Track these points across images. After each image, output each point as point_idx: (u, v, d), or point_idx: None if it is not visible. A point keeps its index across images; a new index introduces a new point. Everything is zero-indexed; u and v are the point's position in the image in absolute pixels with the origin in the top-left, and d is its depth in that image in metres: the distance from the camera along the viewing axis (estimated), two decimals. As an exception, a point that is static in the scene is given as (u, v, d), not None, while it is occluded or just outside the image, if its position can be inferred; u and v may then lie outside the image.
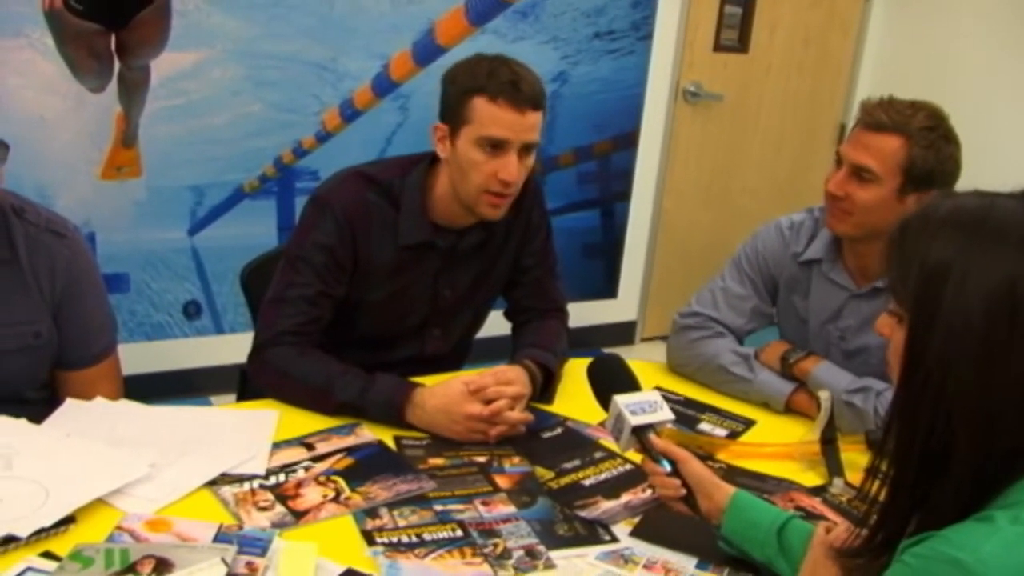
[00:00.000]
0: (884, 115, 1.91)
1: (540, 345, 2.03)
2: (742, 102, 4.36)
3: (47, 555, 1.37)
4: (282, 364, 1.90)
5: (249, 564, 1.37)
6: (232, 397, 2.27)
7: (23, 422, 1.68)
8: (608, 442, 1.77)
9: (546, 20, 3.78)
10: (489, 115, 1.84)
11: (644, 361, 2.23)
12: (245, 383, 2.15)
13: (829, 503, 1.69)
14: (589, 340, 4.30)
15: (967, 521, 1.04)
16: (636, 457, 1.66)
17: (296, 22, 3.35)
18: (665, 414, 1.57)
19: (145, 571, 1.32)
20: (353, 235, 1.94)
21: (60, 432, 1.68)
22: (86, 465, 1.57)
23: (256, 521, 1.49)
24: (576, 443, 1.84)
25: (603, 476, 1.72)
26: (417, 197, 1.97)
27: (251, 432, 1.75)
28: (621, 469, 1.74)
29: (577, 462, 1.76)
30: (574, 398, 1.96)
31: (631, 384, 1.62)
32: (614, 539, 1.53)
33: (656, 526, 1.56)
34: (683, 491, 1.51)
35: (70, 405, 1.79)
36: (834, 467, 1.77)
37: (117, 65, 3.10)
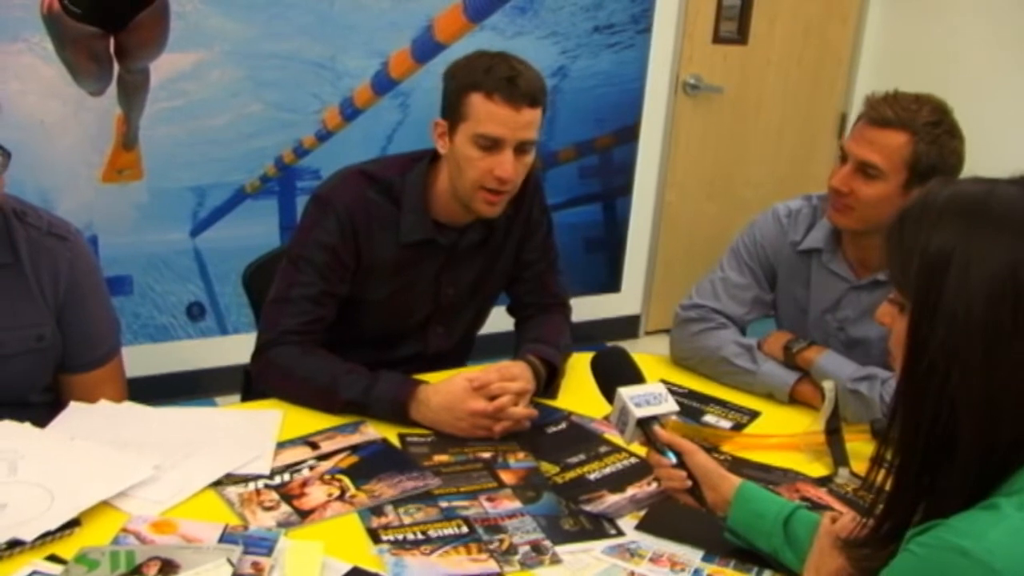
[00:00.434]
0: (889, 110, 1.90)
1: (543, 340, 2.03)
2: (742, 94, 4.35)
3: (52, 558, 1.37)
4: (286, 363, 1.90)
5: (255, 564, 1.36)
6: (237, 397, 2.28)
7: (27, 426, 1.68)
8: (613, 436, 1.76)
9: (545, 15, 3.78)
10: (485, 112, 1.83)
11: (648, 354, 2.22)
12: (249, 383, 2.15)
13: (835, 493, 1.69)
14: (593, 334, 4.29)
15: (972, 509, 1.04)
16: (641, 451, 1.66)
17: (295, 21, 3.35)
18: (670, 405, 1.57)
19: (151, 573, 1.32)
20: (355, 233, 1.94)
21: (64, 435, 1.68)
22: (90, 468, 1.57)
23: (261, 521, 1.49)
24: (581, 437, 1.84)
25: (608, 470, 1.72)
26: (418, 195, 1.97)
27: (255, 432, 1.75)
28: (626, 463, 1.74)
29: (582, 456, 1.76)
30: (578, 393, 1.95)
31: (635, 376, 1.62)
32: (620, 533, 1.53)
33: (662, 519, 1.56)
34: (689, 483, 1.51)
35: (74, 408, 1.79)
36: (839, 457, 1.76)
37: (116, 68, 3.10)
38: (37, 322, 1.77)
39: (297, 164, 3.53)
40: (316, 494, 1.58)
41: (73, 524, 1.44)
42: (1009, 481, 1.05)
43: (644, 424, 1.54)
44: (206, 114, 3.31)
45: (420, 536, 1.47)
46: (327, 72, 3.47)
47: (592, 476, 1.70)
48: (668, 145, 4.28)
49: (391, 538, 1.47)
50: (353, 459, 1.69)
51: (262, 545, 1.40)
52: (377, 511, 1.54)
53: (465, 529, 1.50)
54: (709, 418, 1.95)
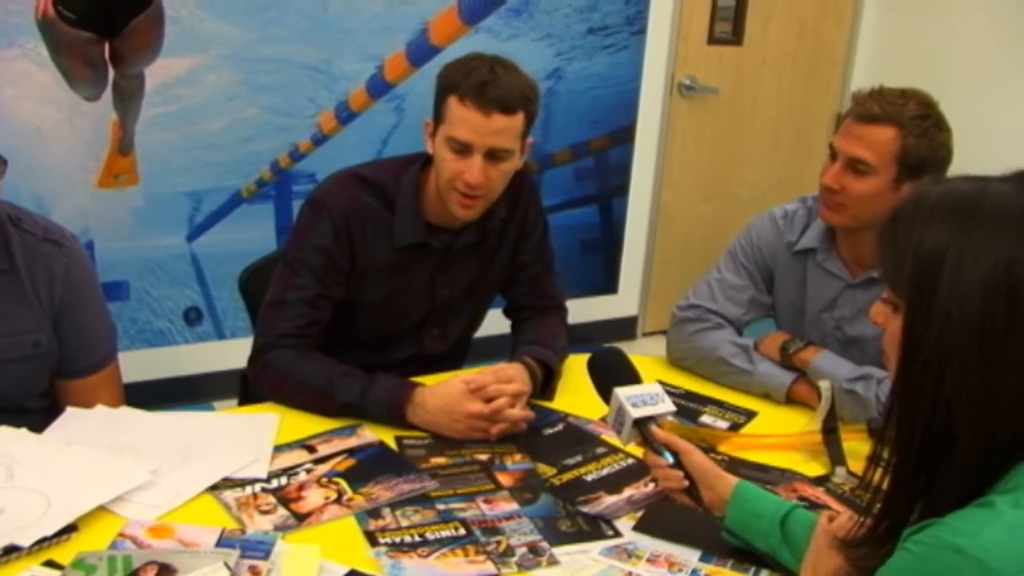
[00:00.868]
0: (876, 106, 1.91)
1: (540, 342, 2.03)
2: (738, 94, 4.36)
3: (50, 564, 1.37)
4: (283, 367, 1.90)
5: (252, 568, 1.37)
6: (235, 402, 2.28)
7: (24, 432, 1.68)
8: (610, 437, 1.76)
9: (539, 17, 3.78)
10: (457, 116, 1.84)
11: (644, 355, 2.23)
12: (246, 388, 2.15)
13: (832, 492, 1.69)
14: (590, 336, 4.29)
15: (968, 507, 1.04)
16: (638, 451, 1.66)
17: (290, 25, 3.35)
18: (666, 406, 1.57)
19: (148, 577, 1.33)
20: (349, 236, 1.94)
21: (61, 441, 1.68)
22: (87, 473, 1.57)
23: (258, 525, 1.49)
24: (577, 439, 1.84)
25: (605, 471, 1.72)
26: (411, 197, 1.97)
27: (252, 436, 1.75)
28: (623, 464, 1.74)
29: (579, 458, 1.76)
30: (575, 394, 1.96)
31: (632, 377, 1.62)
32: (617, 534, 1.53)
33: (659, 520, 1.56)
34: (686, 483, 1.51)
35: (71, 414, 1.79)
36: (836, 456, 1.77)
37: (112, 73, 3.10)
38: (33, 328, 1.77)
39: (293, 168, 3.53)
40: (313, 497, 1.58)
41: (70, 529, 1.44)
42: (1004, 479, 1.06)
43: (641, 424, 1.54)
44: (202, 119, 3.31)
45: (417, 538, 1.47)
46: (322, 76, 3.47)
47: (589, 477, 1.70)
48: (664, 146, 4.28)
49: (388, 541, 1.47)
50: (350, 462, 1.69)
51: (259, 549, 1.40)
52: (374, 514, 1.54)
53: (462, 531, 1.50)
54: (706, 418, 1.96)
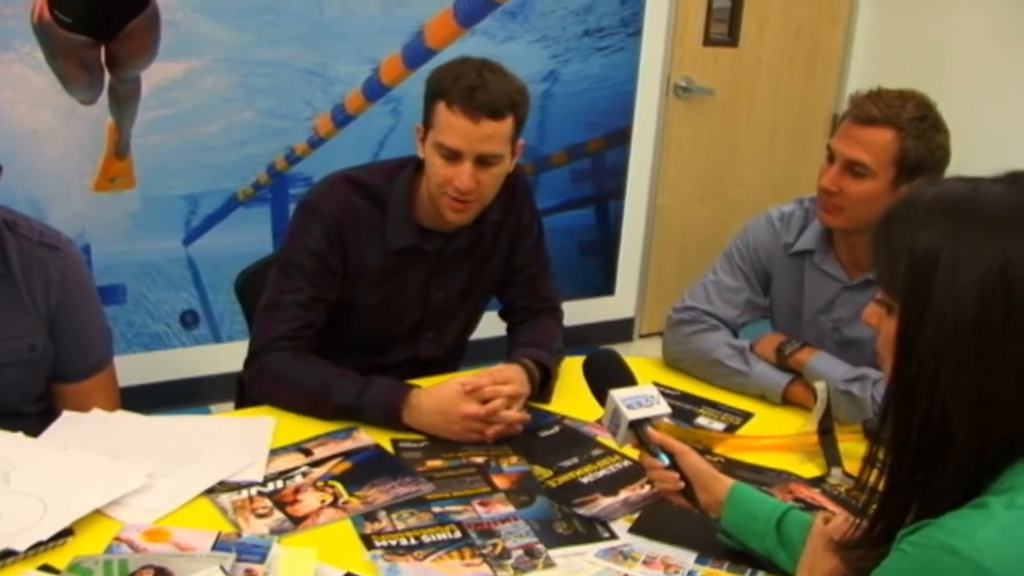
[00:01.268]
0: (874, 108, 1.91)
1: (536, 344, 2.03)
2: (734, 96, 4.36)
3: (45, 568, 1.37)
4: (278, 370, 1.90)
5: (248, 571, 1.37)
6: (231, 405, 2.27)
7: (20, 436, 1.68)
8: (605, 439, 1.76)
9: (535, 19, 3.78)
10: (446, 122, 1.83)
11: (640, 357, 2.23)
12: (243, 391, 2.14)
13: (828, 494, 1.69)
14: (587, 338, 4.29)
15: (963, 508, 1.04)
16: (633, 453, 1.66)
17: (286, 28, 3.35)
18: (662, 408, 1.57)
19: (144, 581, 1.33)
20: (342, 239, 1.94)
21: (57, 445, 1.68)
22: (83, 477, 1.57)
23: (255, 528, 1.49)
24: (573, 441, 1.84)
25: (601, 473, 1.72)
26: (403, 201, 1.97)
27: (248, 439, 1.75)
28: (619, 466, 1.74)
29: (575, 460, 1.77)
30: (571, 396, 1.96)
31: (627, 379, 1.62)
32: (613, 536, 1.53)
33: (655, 522, 1.56)
34: (681, 484, 1.51)
35: (67, 418, 1.79)
36: (832, 457, 1.77)
37: (108, 77, 3.10)
38: (29, 332, 1.77)
39: (289, 171, 3.53)
40: (309, 501, 1.58)
41: (66, 533, 1.44)
42: (999, 479, 1.06)
43: (636, 426, 1.54)
44: (198, 122, 3.31)
45: (413, 541, 1.48)
46: (318, 79, 3.47)
47: (585, 479, 1.70)
48: (660, 148, 4.28)
49: (384, 544, 1.47)
50: (346, 465, 1.69)
51: (255, 552, 1.40)
52: (370, 517, 1.54)
53: (458, 534, 1.50)
54: (702, 420, 1.96)
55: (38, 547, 1.40)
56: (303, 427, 1.82)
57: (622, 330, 4.52)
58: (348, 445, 1.77)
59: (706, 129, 4.36)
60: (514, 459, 1.76)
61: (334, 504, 1.57)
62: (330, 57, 3.46)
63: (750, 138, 4.49)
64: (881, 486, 1.14)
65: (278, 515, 1.53)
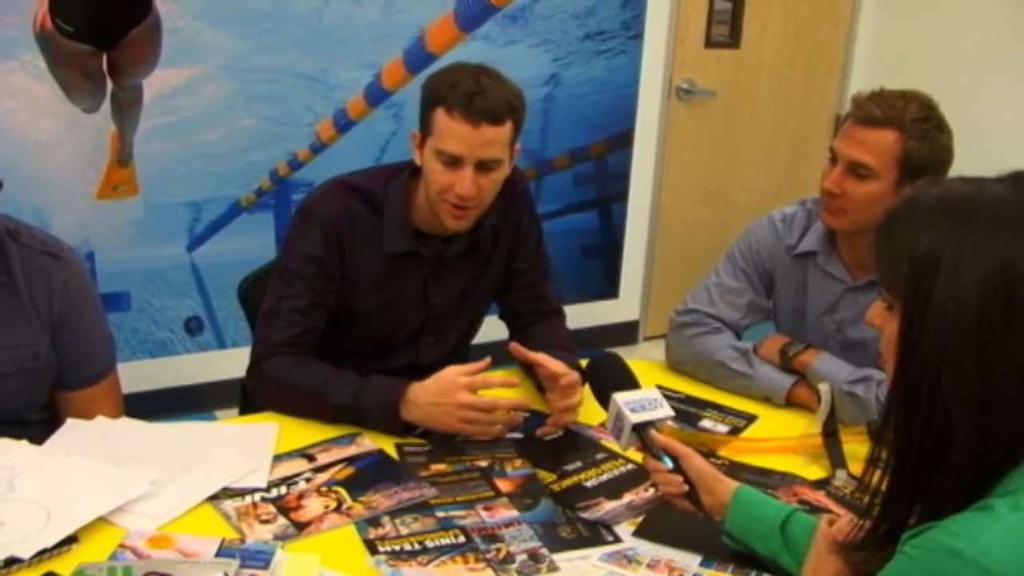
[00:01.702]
0: (877, 109, 1.90)
1: (559, 346, 2.01)
2: (736, 97, 4.36)
3: (50, 575, 1.37)
4: (278, 374, 1.91)
5: (252, 577, 1.37)
6: (237, 411, 2.27)
7: (24, 443, 1.68)
8: (609, 443, 1.76)
9: (536, 23, 3.78)
10: (446, 128, 1.83)
11: (644, 360, 2.23)
12: (247, 397, 2.14)
13: (833, 495, 1.69)
14: (592, 341, 4.28)
15: (967, 511, 1.04)
16: (637, 457, 1.66)
17: (286, 35, 3.36)
18: (665, 411, 1.57)
19: (148, 588, 1.33)
20: (339, 244, 1.94)
21: (61, 452, 1.69)
22: (87, 484, 1.57)
23: (258, 534, 1.49)
24: (578, 445, 1.84)
25: (605, 477, 1.72)
26: (400, 206, 1.97)
27: (252, 445, 1.75)
28: (623, 469, 1.74)
29: (579, 463, 1.76)
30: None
31: (630, 382, 1.62)
32: (617, 539, 1.53)
33: (659, 525, 1.56)
34: (685, 487, 1.51)
35: (71, 425, 1.79)
36: (837, 459, 1.77)
37: (110, 85, 3.11)
38: (32, 341, 1.77)
39: (292, 177, 3.53)
40: (313, 506, 1.58)
41: (70, 540, 1.44)
42: (1003, 481, 1.05)
43: (640, 430, 1.54)
44: (200, 129, 3.31)
45: (417, 546, 1.47)
46: (320, 85, 3.48)
47: (589, 483, 1.70)
48: (662, 150, 4.28)
49: (388, 549, 1.47)
50: (349, 471, 1.69)
51: (259, 558, 1.40)
52: (374, 522, 1.54)
53: (462, 539, 1.50)
54: (706, 423, 1.95)
55: (43, 554, 1.40)
56: (306, 433, 1.82)
57: (626, 333, 4.51)
58: (352, 451, 1.76)
59: (708, 131, 4.36)
60: (518, 463, 1.76)
61: (338, 510, 1.57)
62: (331, 63, 3.47)
63: (752, 140, 4.48)
64: (884, 488, 1.13)
65: (282, 521, 1.53)
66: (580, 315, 4.36)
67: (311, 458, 1.73)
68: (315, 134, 3.53)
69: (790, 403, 2.01)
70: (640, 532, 1.55)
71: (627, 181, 4.26)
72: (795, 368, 2.01)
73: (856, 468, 1.72)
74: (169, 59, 3.18)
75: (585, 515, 1.59)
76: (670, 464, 1.52)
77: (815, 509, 1.62)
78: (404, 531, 1.52)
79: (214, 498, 1.58)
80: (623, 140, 4.18)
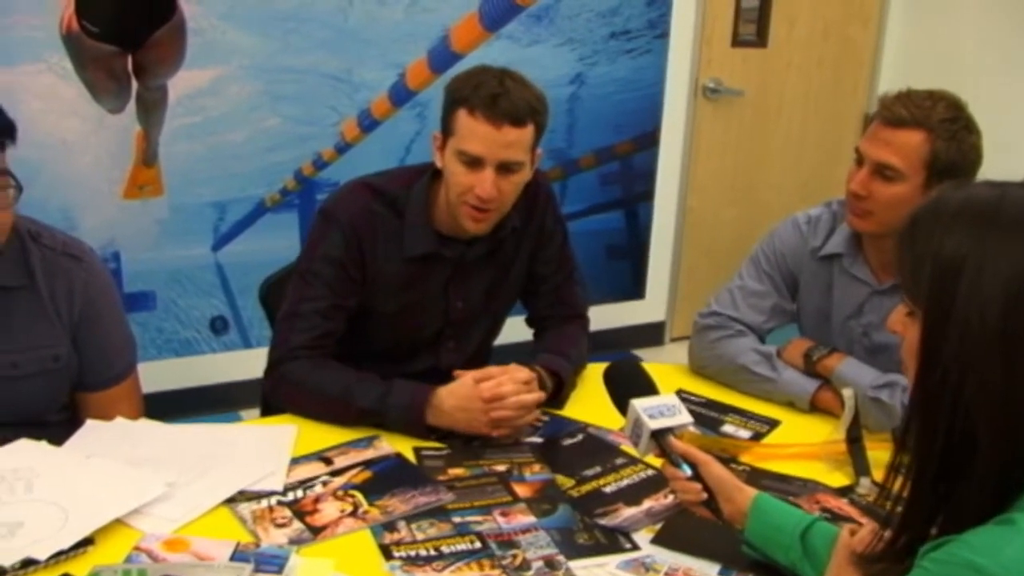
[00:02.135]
0: (903, 109, 1.87)
1: (554, 351, 2.02)
2: (763, 97, 4.32)
3: (65, 577, 1.37)
4: (298, 377, 1.90)
5: (266, 582, 1.36)
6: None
7: (44, 444, 1.69)
8: (629, 448, 1.74)
9: (561, 22, 3.77)
10: (468, 128, 1.82)
11: (666, 363, 2.21)
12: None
13: (856, 503, 1.66)
14: (618, 342, 4.28)
15: (988, 524, 1.01)
16: (658, 462, 1.63)
17: (311, 35, 3.36)
18: (684, 417, 1.55)
19: (162, 592, 1.33)
20: (360, 246, 1.94)
21: (80, 453, 1.69)
22: (105, 486, 1.57)
23: (273, 538, 1.49)
24: (597, 449, 1.82)
25: (624, 483, 1.70)
26: (421, 208, 1.96)
27: (269, 448, 1.75)
28: (643, 475, 1.72)
29: (598, 469, 1.75)
30: (596, 404, 1.92)
31: (649, 388, 1.60)
32: (635, 547, 1.51)
33: (678, 532, 1.54)
34: (704, 495, 1.49)
35: (90, 426, 1.80)
36: (860, 466, 1.74)
37: (135, 85, 3.12)
38: (52, 342, 1.78)
39: (316, 177, 3.54)
40: (329, 510, 1.57)
41: (87, 543, 1.45)
42: (1026, 494, 1.03)
43: (658, 436, 1.52)
44: (225, 129, 3.33)
45: (433, 552, 1.46)
46: (344, 84, 3.48)
47: (608, 489, 1.68)
48: (689, 150, 4.25)
49: (403, 554, 1.46)
50: (366, 474, 1.69)
51: (273, 563, 1.40)
52: (390, 527, 1.53)
53: (478, 544, 1.49)
54: (728, 428, 1.93)
55: (59, 556, 1.41)
56: (325, 436, 1.82)
57: (653, 334, 4.49)
58: (369, 454, 1.76)
59: (735, 131, 4.33)
60: (537, 467, 1.74)
61: (353, 514, 1.57)
62: (355, 63, 3.47)
63: (780, 140, 4.44)
64: (904, 498, 1.11)
65: (297, 525, 1.53)
66: (606, 316, 4.35)
67: (328, 461, 1.73)
68: (340, 134, 3.53)
69: (814, 408, 1.98)
70: (659, 540, 1.53)
71: (653, 181, 4.24)
72: (819, 372, 1.98)
73: (880, 476, 1.69)
74: (194, 60, 3.19)
75: (603, 522, 1.57)
76: (688, 471, 1.50)
77: (838, 517, 1.59)
78: (420, 536, 1.51)
79: (230, 501, 1.58)
80: (649, 140, 4.15)
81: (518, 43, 3.71)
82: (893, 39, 4.48)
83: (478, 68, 1.90)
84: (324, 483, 1.65)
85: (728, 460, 1.77)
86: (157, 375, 3.39)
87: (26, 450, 1.67)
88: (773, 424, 1.95)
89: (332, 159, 3.54)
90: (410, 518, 1.56)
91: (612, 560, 1.47)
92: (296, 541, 1.49)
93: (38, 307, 1.76)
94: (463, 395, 1.81)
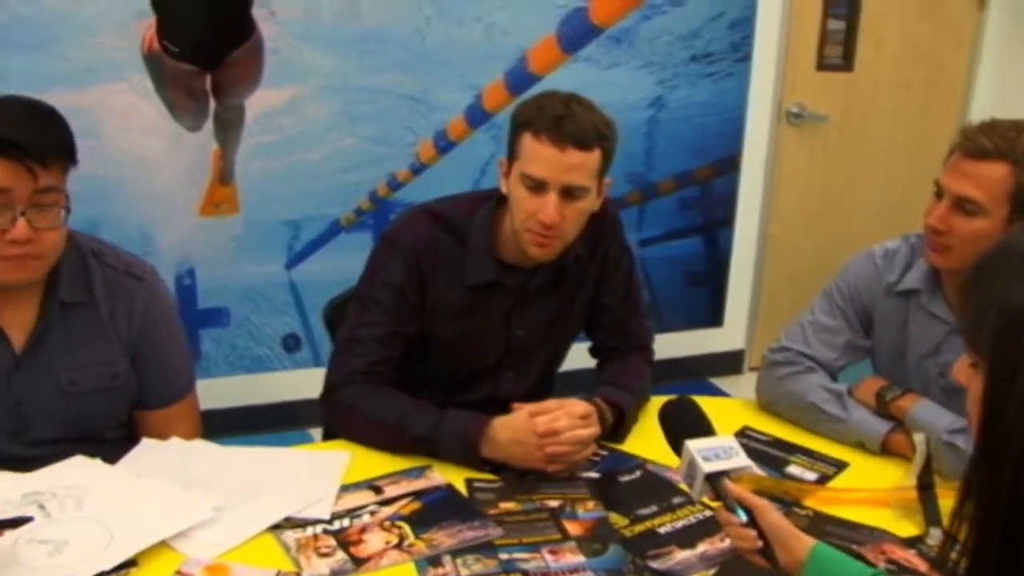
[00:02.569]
0: (987, 140, 1.78)
1: (616, 383, 1.97)
2: (849, 122, 4.20)
3: (105, 600, 1.37)
4: (353, 403, 1.88)
5: (303, 615, 1.34)
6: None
7: (97, 462, 1.70)
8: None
9: (641, 45, 3.72)
10: (532, 152, 1.79)
11: (735, 399, 2.14)
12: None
13: (925, 556, 1.57)
14: (696, 370, 4.20)
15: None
16: (716, 503, 1.57)
17: (388, 56, 3.37)
18: (741, 460, 1.48)
19: (197, 621, 1.31)
20: (420, 273, 1.91)
21: (131, 473, 1.69)
22: (152, 507, 1.57)
23: (315, 568, 1.47)
24: (655, 487, 1.76)
25: (680, 524, 1.64)
26: (484, 235, 1.93)
27: (320, 474, 1.73)
28: (700, 516, 1.66)
29: (654, 508, 1.69)
30: (656, 439, 1.83)
31: (705, 428, 1.53)
32: (686, 593, 1.45)
33: (733, 579, 1.48)
34: (759, 542, 1.42)
35: (145, 445, 1.80)
36: (932, 516, 1.65)
37: (213, 104, 3.17)
38: (111, 360, 1.79)
39: (391, 197, 3.54)
40: (374, 541, 1.54)
41: (130, 564, 1.44)
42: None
43: (713, 479, 1.46)
44: (301, 148, 3.35)
45: (475, 590, 1.43)
46: (420, 105, 3.48)
47: (663, 530, 1.62)
48: (771, 176, 4.16)
49: (445, 591, 1.42)
50: (415, 505, 1.65)
51: (311, 595, 1.37)
52: (434, 561, 1.50)
53: (523, 584, 1.45)
54: (793, 468, 1.85)
55: (100, 577, 1.40)
56: (377, 463, 1.80)
57: (731, 362, 4.40)
58: (420, 484, 1.72)
59: (819, 157, 4.22)
60: (590, 504, 1.69)
61: (399, 546, 1.53)
62: (432, 84, 3.47)
63: (866, 167, 4.31)
64: (964, 566, 1.03)
65: (340, 555, 1.50)
66: (683, 343, 4.28)
67: (378, 490, 1.70)
68: (415, 155, 3.53)
69: (885, 451, 1.89)
70: (711, 586, 1.47)
71: (733, 207, 4.16)
72: (892, 414, 1.89)
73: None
74: (271, 79, 3.22)
75: (655, 564, 1.52)
76: (744, 517, 1.43)
77: (904, 570, 1.51)
78: (464, 572, 1.47)
79: (276, 527, 1.56)
80: (730, 165, 4.07)
81: (597, 65, 3.67)
82: (989, 63, 4.32)
83: (545, 92, 1.87)
84: (372, 513, 1.62)
85: (791, 503, 1.70)
86: (228, 391, 3.43)
87: (80, 467, 1.68)
88: (841, 466, 1.86)
89: (407, 180, 3.55)
90: (456, 552, 1.52)
91: (661, 606, 1.42)
92: (338, 572, 1.46)
93: (97, 325, 1.77)
94: (518, 428, 1.77)
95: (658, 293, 4.07)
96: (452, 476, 1.76)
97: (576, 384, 2.19)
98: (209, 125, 3.19)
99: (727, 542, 1.54)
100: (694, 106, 3.91)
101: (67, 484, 1.61)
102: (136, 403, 1.86)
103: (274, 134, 3.30)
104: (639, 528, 1.63)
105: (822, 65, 4.08)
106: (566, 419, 1.76)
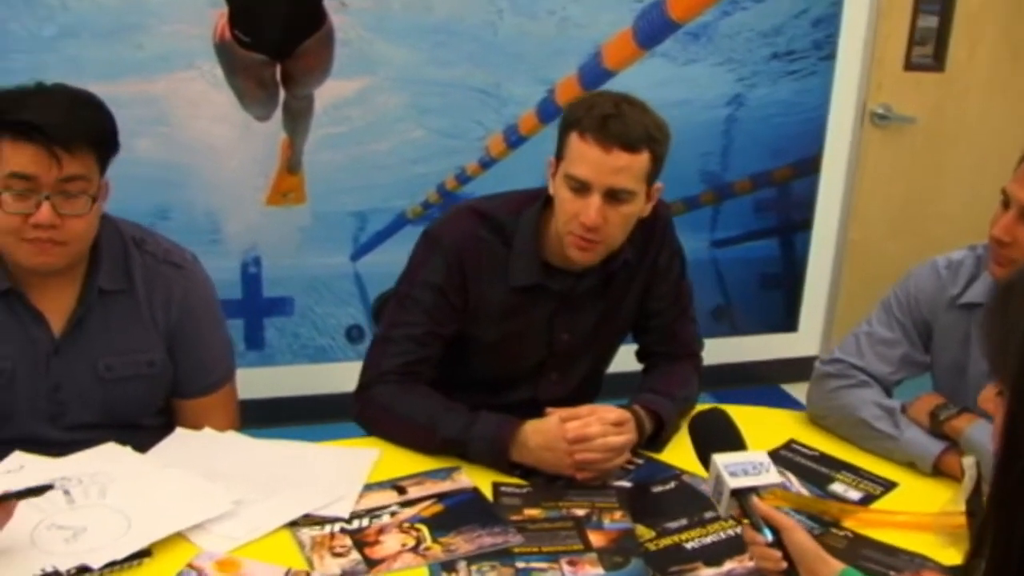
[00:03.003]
0: None
1: (658, 390, 1.90)
2: (938, 125, 4.02)
3: (114, 588, 1.37)
4: (386, 401, 1.86)
5: (306, 615, 1.32)
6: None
7: (127, 450, 1.71)
8: (720, 501, 1.62)
9: (720, 41, 3.62)
10: (577, 152, 1.73)
11: (785, 409, 2.06)
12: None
13: (967, 587, 1.48)
14: (768, 375, 4.09)
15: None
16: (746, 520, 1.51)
17: (459, 48, 3.34)
18: (771, 477, 1.42)
19: (198, 616, 1.30)
20: (463, 274, 1.87)
21: (158, 462, 1.70)
22: (172, 497, 1.57)
23: (327, 567, 1.45)
24: (688, 500, 1.70)
25: (708, 539, 1.58)
26: (530, 236, 1.88)
27: (346, 471, 1.71)
28: (729, 532, 1.59)
29: (683, 521, 1.63)
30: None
31: (736, 442, 1.47)
32: (706, 613, 1.40)
33: (755, 602, 1.41)
34: (784, 564, 1.35)
35: (177, 435, 1.81)
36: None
37: (282, 94, 3.19)
38: (148, 347, 1.80)
39: (460, 191, 3.51)
40: (390, 543, 1.52)
41: (144, 554, 1.44)
42: None
43: (740, 496, 1.39)
44: (369, 139, 3.35)
45: (485, 599, 1.39)
46: (491, 99, 3.44)
47: (690, 545, 1.56)
48: (853, 179, 4.01)
49: (454, 598, 1.39)
50: (437, 508, 1.62)
51: (316, 595, 1.35)
52: (449, 566, 1.47)
53: (536, 595, 1.40)
54: (837, 486, 1.77)
55: (113, 565, 1.41)
56: (405, 462, 1.77)
57: (804, 369, 4.20)
58: (446, 486, 1.69)
59: (905, 160, 4.05)
60: (618, 515, 1.64)
61: (415, 549, 1.50)
62: (504, 77, 3.43)
63: (954, 172, 4.12)
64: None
65: (354, 556, 1.48)
66: (756, 347, 4.17)
67: (402, 490, 1.67)
68: (485, 148, 3.50)
69: (937, 472, 1.79)
70: (733, 608, 1.41)
71: (812, 210, 4.03)
72: (946, 433, 1.79)
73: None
74: (341, 70, 3.22)
75: (676, 582, 1.46)
76: (770, 537, 1.36)
77: (941, 602, 1.43)
78: (478, 580, 1.44)
79: (294, 524, 1.55)
80: (810, 166, 3.95)
81: (674, 62, 3.59)
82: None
83: (597, 92, 1.83)
84: (392, 513, 1.60)
85: (829, 524, 1.62)
86: (291, 380, 3.46)
87: (108, 455, 1.69)
88: (889, 486, 1.77)
89: (476, 174, 3.52)
90: (472, 559, 1.49)
91: (676, 627, 1.36)
92: (350, 572, 1.44)
93: (135, 312, 1.78)
94: (548, 433, 1.72)
95: (732, 296, 3.97)
96: (480, 479, 1.72)
97: (628, 387, 2.14)
98: (278, 115, 3.21)
99: (754, 562, 1.48)
100: (774, 105, 3.79)
101: (94, 471, 1.62)
102: (173, 392, 1.87)
103: (343, 125, 3.30)
104: (665, 542, 1.57)
105: (911, 65, 3.91)
106: (597, 425, 1.71)
